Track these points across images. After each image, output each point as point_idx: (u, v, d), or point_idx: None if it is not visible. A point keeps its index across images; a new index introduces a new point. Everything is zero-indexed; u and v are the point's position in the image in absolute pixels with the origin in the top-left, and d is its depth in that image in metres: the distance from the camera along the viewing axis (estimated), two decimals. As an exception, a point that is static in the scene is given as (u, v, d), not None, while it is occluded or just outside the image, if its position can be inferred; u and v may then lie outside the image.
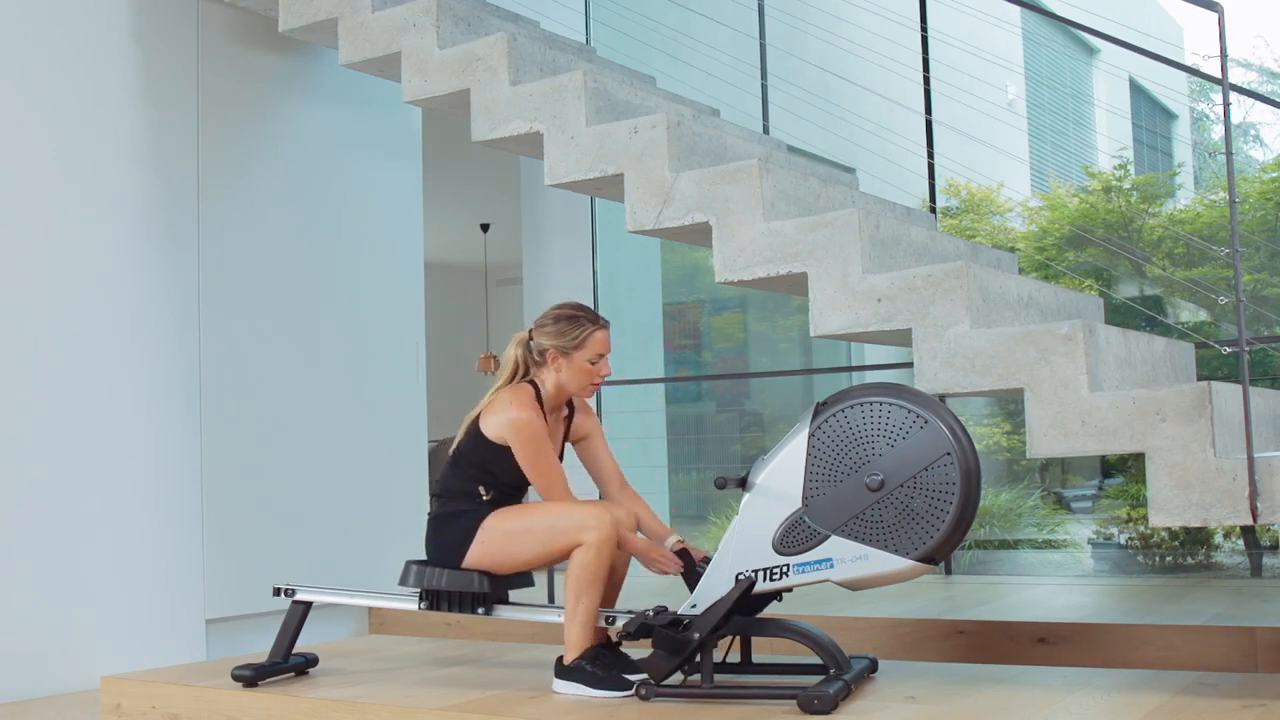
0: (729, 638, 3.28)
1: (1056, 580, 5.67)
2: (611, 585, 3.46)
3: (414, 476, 5.40)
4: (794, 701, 2.96)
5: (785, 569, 3.06)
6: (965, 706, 2.99)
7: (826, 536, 3.03)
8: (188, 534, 4.55)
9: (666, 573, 3.38)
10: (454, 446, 3.46)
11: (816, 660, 3.19)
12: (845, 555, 3.02)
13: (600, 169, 3.61)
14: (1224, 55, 3.10)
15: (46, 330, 4.22)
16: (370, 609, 5.04)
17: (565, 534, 3.23)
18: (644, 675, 3.15)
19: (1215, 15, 3.15)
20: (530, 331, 3.48)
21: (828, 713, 2.91)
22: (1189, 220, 7.59)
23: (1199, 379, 3.57)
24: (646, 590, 4.62)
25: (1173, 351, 3.55)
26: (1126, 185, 7.94)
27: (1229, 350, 3.24)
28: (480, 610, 3.45)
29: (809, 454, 3.07)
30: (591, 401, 3.82)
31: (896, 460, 2.99)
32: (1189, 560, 5.84)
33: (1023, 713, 2.92)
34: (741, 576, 3.09)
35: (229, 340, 4.71)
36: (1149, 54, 4.16)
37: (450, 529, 3.40)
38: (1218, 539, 5.86)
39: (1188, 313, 7.68)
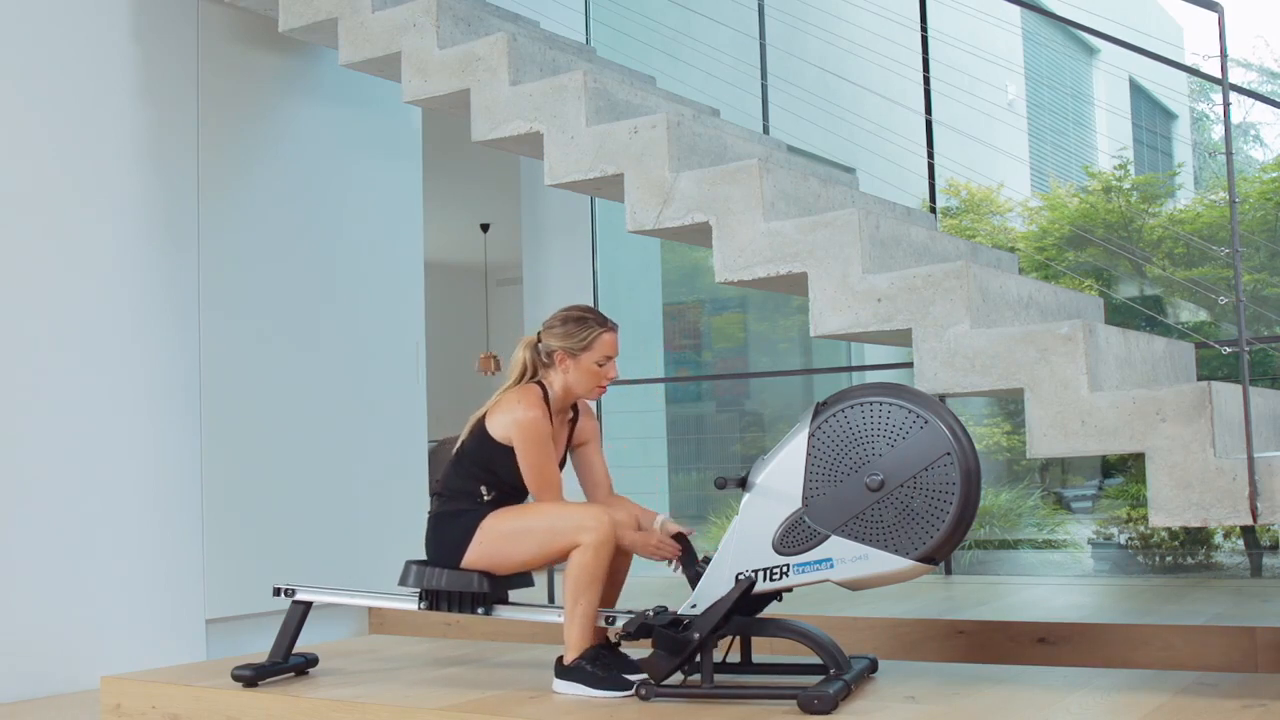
0: (729, 638, 3.28)
1: (1056, 580, 5.67)
2: (612, 585, 3.46)
3: (414, 476, 5.40)
4: (794, 701, 2.96)
5: (785, 569, 3.06)
6: (965, 706, 2.99)
7: (826, 536, 3.03)
8: (188, 534, 4.55)
9: (669, 558, 3.37)
10: (457, 445, 3.46)
11: (816, 660, 3.19)
12: (845, 555, 3.02)
13: (600, 169, 3.61)
14: (1224, 55, 3.10)
15: (46, 330, 4.22)
16: (370, 609, 5.04)
17: (563, 535, 3.23)
18: (644, 675, 3.15)
19: (1215, 15, 3.15)
20: (539, 334, 3.48)
21: (828, 713, 2.91)
22: (1189, 220, 7.59)
23: (1199, 379, 3.57)
24: (646, 590, 4.62)
25: (1173, 351, 3.55)
26: (1126, 185, 7.94)
27: (1229, 350, 3.24)
28: (480, 610, 3.46)
29: (809, 454, 3.07)
30: (592, 402, 3.82)
31: (896, 460, 2.99)
32: (1189, 560, 5.84)
33: (1023, 713, 2.92)
34: (741, 576, 3.09)
35: (229, 340, 4.71)
36: (1149, 54, 4.16)
37: (450, 529, 3.40)
38: (1218, 539, 5.86)
39: (1188, 313, 7.68)
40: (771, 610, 3.30)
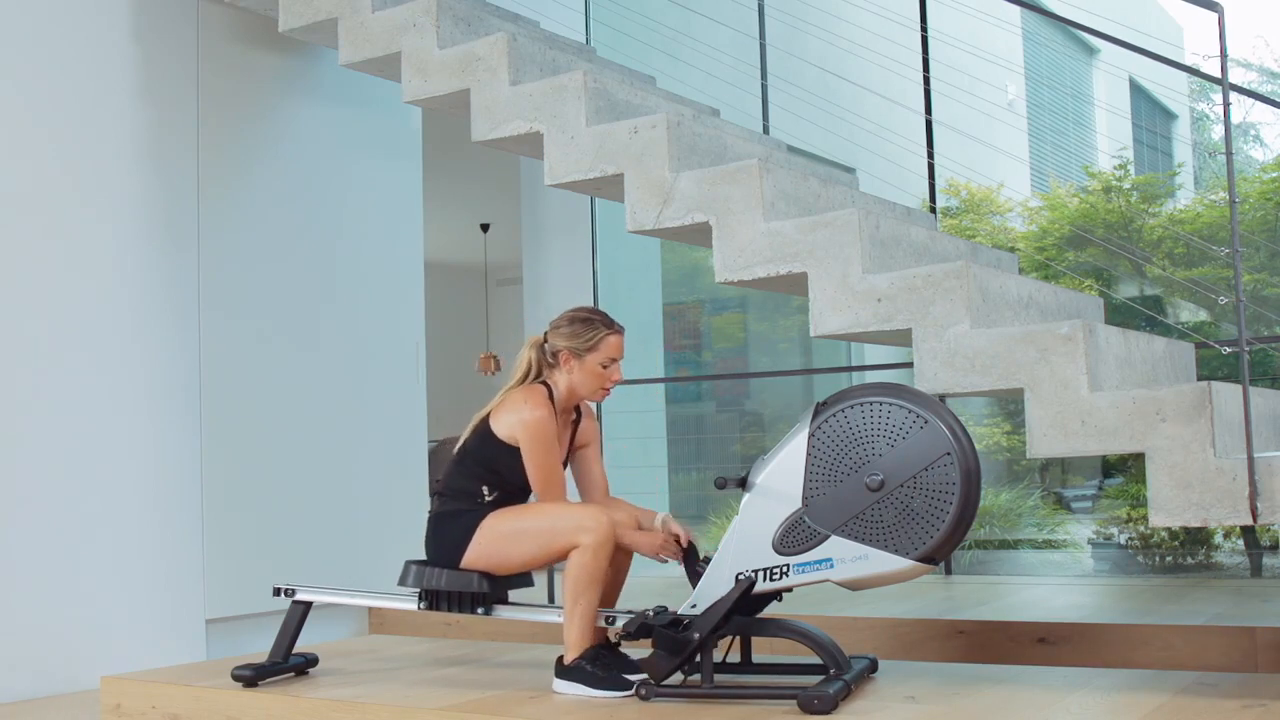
0: (729, 638, 3.28)
1: (1056, 580, 5.67)
2: (613, 585, 3.46)
3: (414, 476, 5.40)
4: (794, 701, 2.96)
5: (785, 569, 3.06)
6: (965, 706, 2.99)
7: (826, 536, 3.03)
8: (188, 534, 4.55)
9: (672, 558, 3.37)
10: (460, 444, 3.45)
11: (816, 660, 3.19)
12: (845, 555, 3.02)
13: (600, 169, 3.61)
14: (1224, 55, 3.10)
15: (46, 330, 4.22)
16: (370, 609, 5.04)
17: (562, 535, 3.23)
18: (644, 675, 3.15)
19: (1215, 15, 3.15)
20: (545, 334, 3.48)
21: (828, 713, 2.91)
22: (1189, 220, 7.59)
23: (1199, 379, 3.57)
24: (646, 590, 4.62)
25: (1173, 351, 3.55)
26: (1126, 185, 7.94)
27: (1229, 350, 3.24)
28: (480, 610, 3.45)
29: (809, 454, 3.07)
30: (593, 403, 3.82)
31: (896, 460, 2.99)
32: (1189, 560, 5.84)
33: (1023, 713, 2.92)
34: (741, 576, 3.09)
35: (229, 340, 4.71)
36: (1149, 54, 4.16)
37: (449, 529, 3.40)
38: (1218, 539, 5.86)
39: (1188, 313, 7.68)
40: (771, 610, 3.30)
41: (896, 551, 2.98)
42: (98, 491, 4.30)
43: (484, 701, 3.23)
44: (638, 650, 3.34)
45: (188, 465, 4.56)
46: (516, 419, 3.33)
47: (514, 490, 3.41)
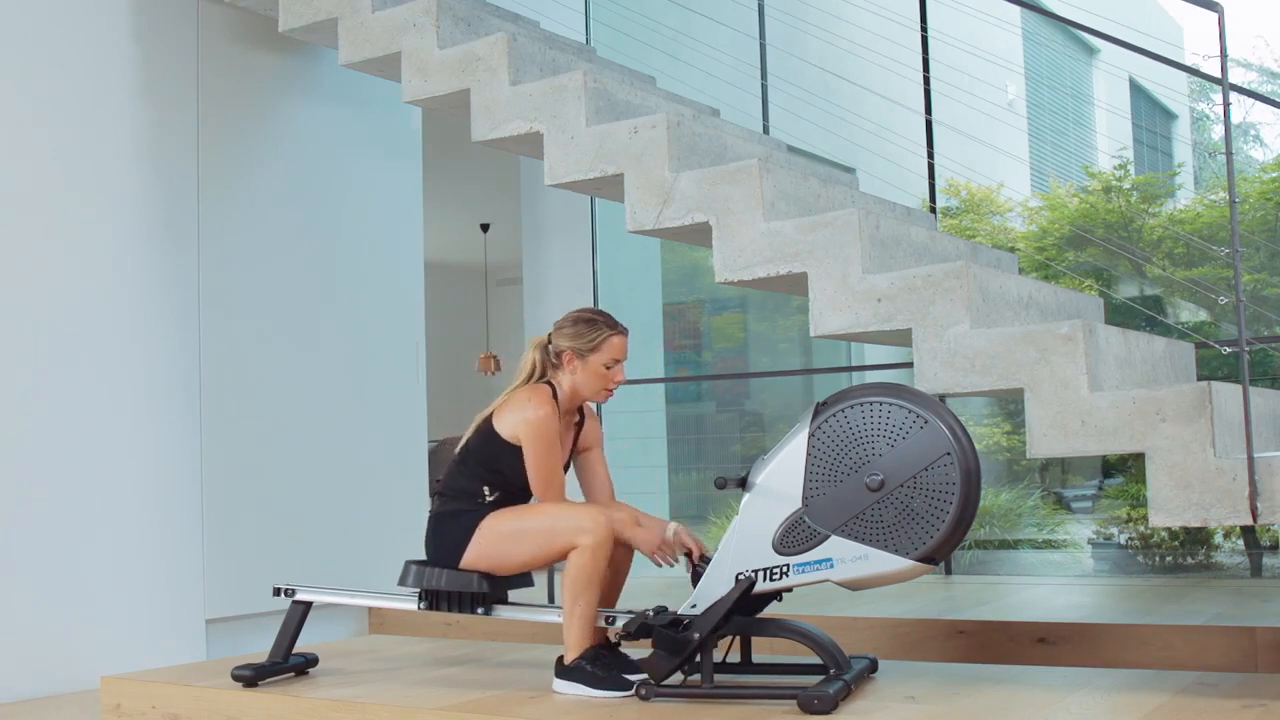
0: (729, 638, 3.28)
1: (1056, 580, 5.67)
2: (613, 586, 3.46)
3: (414, 476, 5.40)
4: (794, 701, 2.96)
5: (785, 569, 3.06)
6: (965, 706, 2.99)
7: (826, 536, 3.03)
8: (188, 534, 4.55)
9: (669, 563, 3.37)
10: (462, 444, 3.45)
11: (816, 660, 3.19)
12: (845, 555, 3.02)
13: (600, 169, 3.61)
14: (1224, 55, 3.10)
15: (46, 330, 4.22)
16: (370, 609, 5.04)
17: (561, 536, 3.23)
18: (644, 675, 3.15)
19: (1215, 15, 3.15)
20: (549, 335, 3.48)
21: (828, 713, 2.91)
22: (1189, 220, 7.59)
23: (1199, 379, 3.57)
24: (646, 590, 4.62)
25: (1173, 351, 3.55)
26: (1126, 185, 7.94)
27: (1229, 350, 3.24)
28: (479, 610, 3.46)
29: (809, 454, 3.07)
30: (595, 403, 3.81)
31: (896, 460, 2.99)
32: (1189, 560, 5.84)
33: (1023, 713, 2.92)
34: (741, 576, 3.09)
35: (229, 340, 4.71)
36: (1149, 54, 4.16)
37: (449, 529, 3.40)
38: (1218, 539, 5.86)
39: (1188, 313, 7.68)
40: (771, 610, 3.30)
41: (896, 551, 2.98)
42: (98, 491, 4.30)
43: (484, 701, 3.23)
44: (638, 650, 3.34)
45: (188, 465, 4.56)
46: (520, 417, 3.33)
47: (515, 490, 3.41)
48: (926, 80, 5.70)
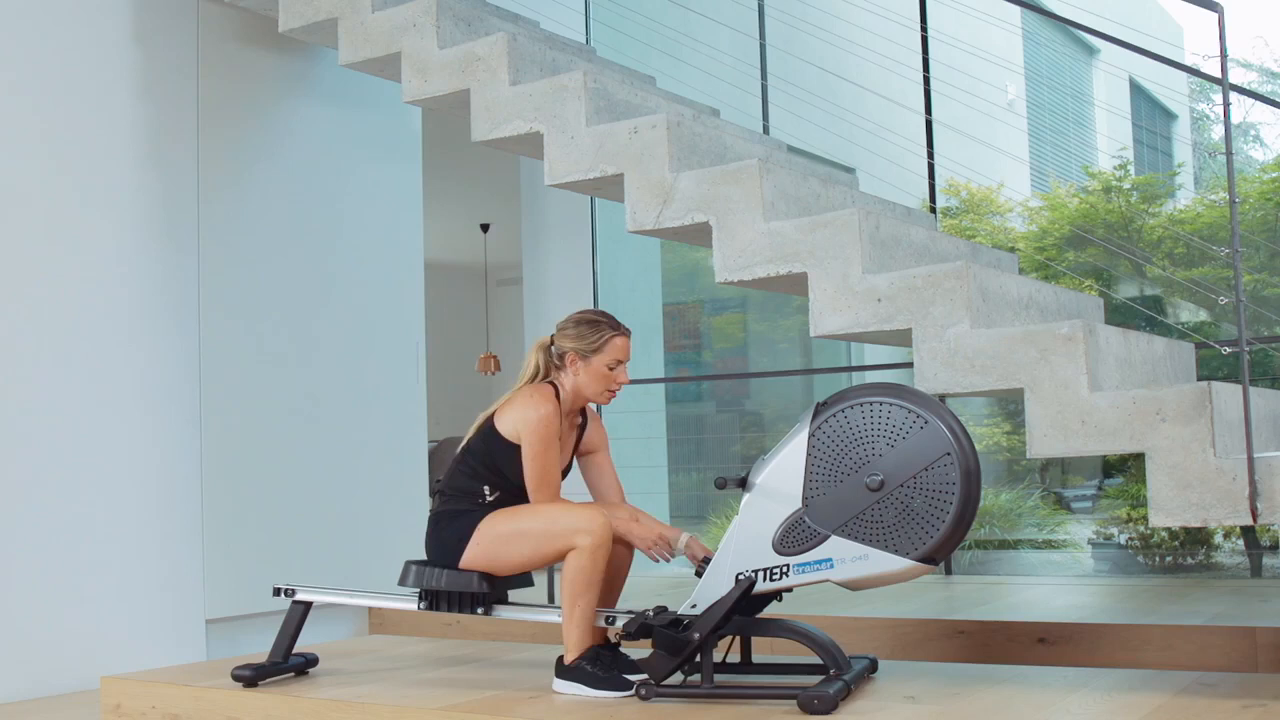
0: (729, 638, 3.28)
1: (1056, 580, 5.67)
2: (613, 586, 3.46)
3: (414, 476, 5.40)
4: (794, 701, 2.96)
5: (785, 569, 3.06)
6: (965, 706, 2.99)
7: (826, 536, 3.03)
8: (188, 534, 4.55)
9: (663, 559, 3.37)
10: (463, 443, 3.46)
11: (816, 660, 3.19)
12: (845, 555, 3.02)
13: (600, 169, 3.61)
14: (1224, 55, 3.10)
15: (46, 330, 4.22)
16: (370, 609, 5.04)
17: (559, 538, 3.23)
18: (644, 675, 3.15)
19: (1215, 15, 3.15)
20: (552, 336, 3.48)
21: (828, 713, 2.90)
22: (1189, 220, 7.59)
23: (1199, 379, 3.57)
24: (646, 590, 4.63)
25: (1173, 352, 3.55)
26: (1126, 185, 7.94)
27: (1229, 350, 3.24)
28: (479, 610, 3.45)
29: (809, 454, 3.07)
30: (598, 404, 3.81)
31: (896, 460, 2.99)
32: (1189, 560, 5.84)
33: (1023, 713, 2.92)
34: (741, 576, 3.09)
35: (229, 340, 4.71)
36: (1149, 54, 4.16)
37: (448, 529, 3.40)
38: (1218, 539, 5.86)
39: (1188, 313, 7.68)
40: (771, 610, 3.30)
41: (896, 551, 2.98)
42: (98, 492, 4.30)
43: (484, 701, 3.23)
44: (638, 650, 3.34)
45: (188, 465, 4.56)
46: (521, 416, 3.33)
47: (516, 491, 3.41)
48: (926, 80, 5.70)
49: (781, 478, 3.08)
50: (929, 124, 5.73)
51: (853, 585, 3.06)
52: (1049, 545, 6.62)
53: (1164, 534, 5.87)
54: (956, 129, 6.87)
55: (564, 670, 3.26)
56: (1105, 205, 7.78)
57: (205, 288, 4.66)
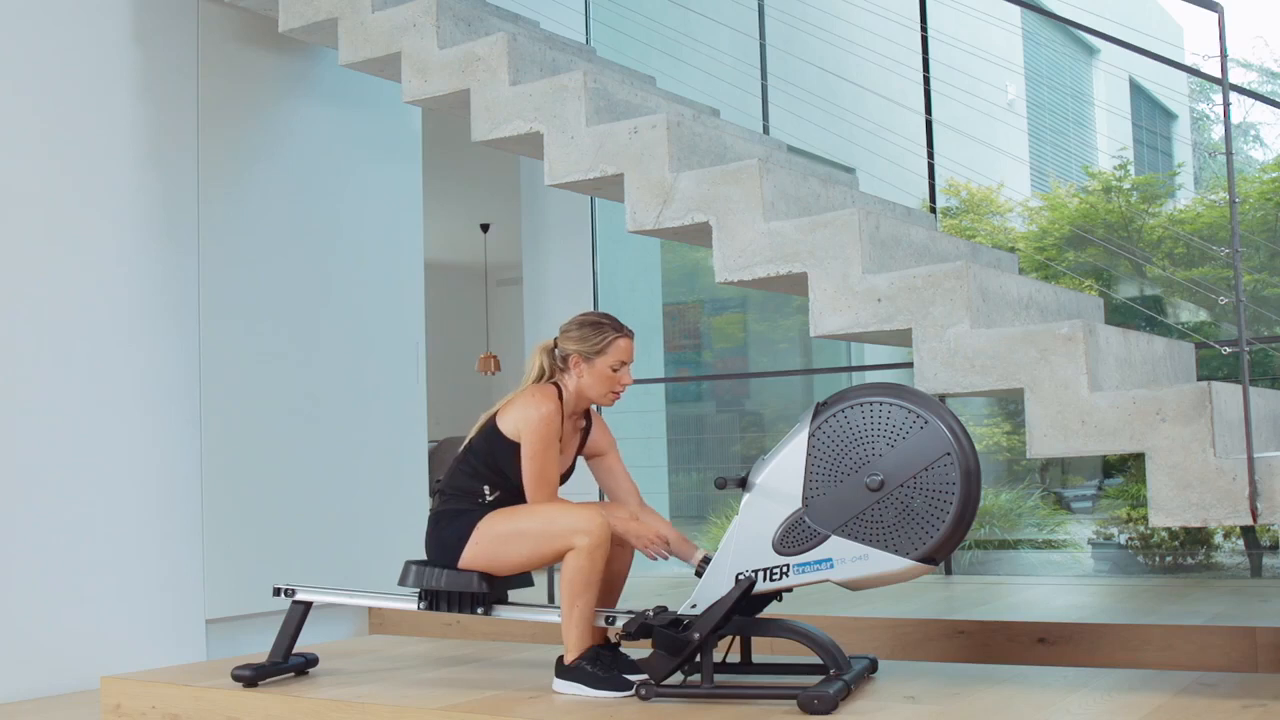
0: (729, 638, 3.28)
1: (1056, 580, 5.67)
2: (613, 586, 3.46)
3: (414, 476, 5.40)
4: (794, 701, 2.96)
5: (785, 569, 3.06)
6: (965, 706, 2.99)
7: (826, 536, 3.03)
8: (188, 534, 4.55)
9: (659, 556, 3.37)
10: (465, 443, 3.46)
11: (816, 660, 3.19)
12: (845, 555, 3.02)
13: (600, 169, 3.61)
14: (1224, 55, 3.10)
15: (46, 330, 4.22)
16: (370, 609, 5.04)
17: (558, 538, 3.23)
18: (644, 675, 3.15)
19: (1215, 15, 3.15)
20: (555, 339, 3.48)
21: (828, 713, 2.91)
22: (1189, 220, 7.59)
23: (1199, 379, 3.57)
24: (646, 590, 4.63)
25: (1173, 352, 3.55)
26: (1126, 185, 7.94)
27: (1229, 350, 3.24)
28: (479, 610, 3.45)
29: (809, 454, 3.07)
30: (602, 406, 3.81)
31: (896, 460, 2.99)
32: (1189, 560, 5.84)
33: (1023, 713, 2.92)
34: (741, 576, 3.09)
35: (229, 340, 4.71)
36: (1149, 54, 4.16)
37: (448, 528, 3.40)
38: (1218, 539, 5.86)
39: (1188, 313, 7.68)
40: (771, 610, 3.30)
41: (896, 551, 2.98)
42: (98, 492, 4.30)
43: (484, 701, 3.23)
44: (638, 650, 3.34)
45: (188, 465, 4.56)
46: (522, 415, 3.33)
47: (516, 491, 3.41)
48: (926, 80, 5.70)
49: (781, 478, 3.08)
50: (929, 124, 5.73)
51: (853, 585, 3.06)
52: (1049, 545, 6.62)
53: (1164, 534, 5.87)
54: (956, 129, 6.87)
55: (564, 670, 3.26)
56: (1105, 205, 7.78)
57: (205, 288, 4.66)
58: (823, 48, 6.97)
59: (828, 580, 3.05)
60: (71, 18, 4.37)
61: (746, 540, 3.10)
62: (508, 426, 3.37)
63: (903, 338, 3.21)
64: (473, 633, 4.69)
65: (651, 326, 7.33)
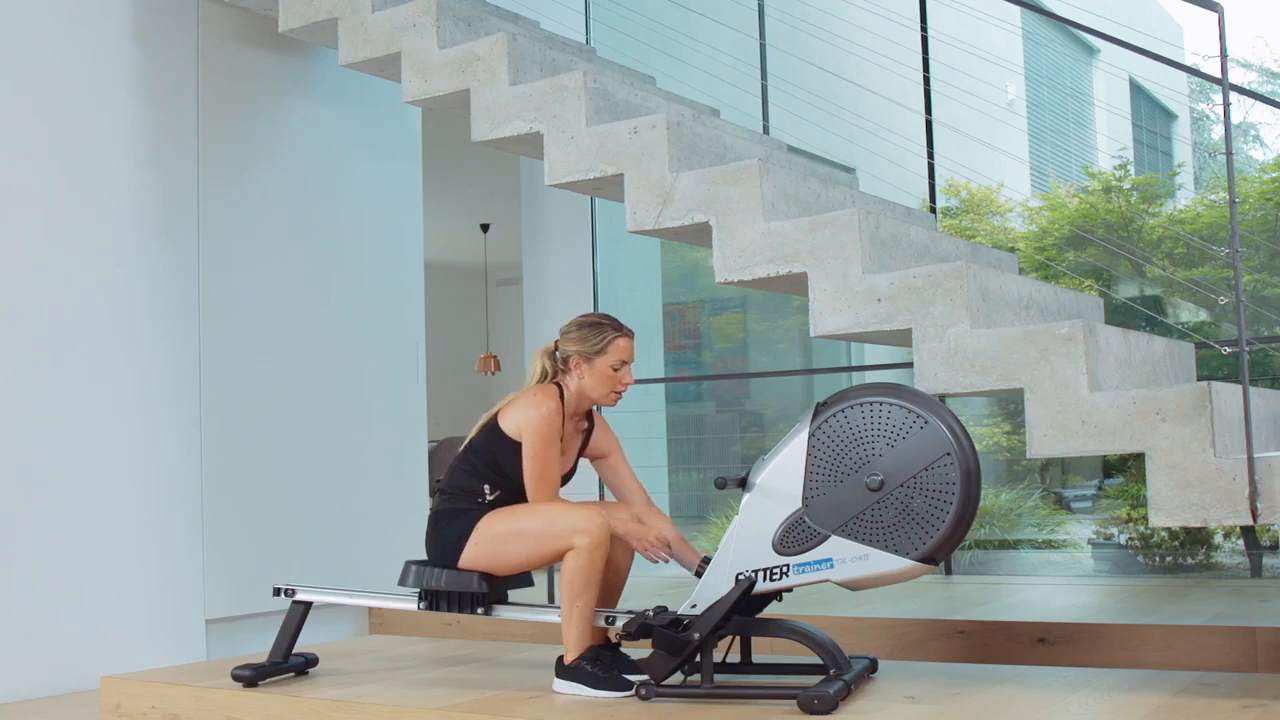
0: (729, 638, 3.28)
1: (1056, 580, 5.67)
2: (613, 586, 3.46)
3: (414, 477, 5.40)
4: (794, 701, 2.96)
5: (785, 569, 3.06)
6: (965, 706, 2.99)
7: (826, 536, 3.03)
8: (188, 534, 4.55)
9: (659, 558, 3.38)
10: (466, 442, 3.46)
11: (816, 660, 3.19)
12: (845, 555, 3.02)
13: (600, 169, 3.61)
14: (1224, 55, 3.10)
15: (47, 330, 4.22)
16: (370, 609, 5.04)
17: (557, 538, 3.23)
18: (644, 675, 3.15)
19: (1215, 15, 3.15)
20: (556, 341, 3.49)
21: (828, 713, 2.91)
22: (1189, 220, 7.59)
23: (1199, 379, 3.57)
24: (646, 590, 4.63)
25: (1173, 352, 3.55)
26: (1126, 185, 7.94)
27: (1229, 350, 3.24)
28: (479, 610, 3.45)
29: (809, 454, 3.07)
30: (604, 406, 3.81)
31: (896, 460, 2.99)
32: (1189, 560, 5.84)
33: (1023, 713, 2.92)
34: (741, 576, 3.09)
35: (229, 340, 4.71)
36: (1149, 54, 4.16)
37: (447, 528, 3.40)
38: (1218, 539, 5.86)
39: (1188, 313, 7.68)
40: (771, 610, 3.30)
41: (896, 551, 2.98)
42: (98, 492, 4.30)
43: (484, 701, 3.23)
44: (638, 650, 3.34)
45: (188, 465, 4.56)
46: (523, 414, 3.34)
47: (516, 490, 3.41)
48: (926, 80, 5.70)
49: (781, 478, 3.09)
50: (929, 124, 5.73)
51: (853, 585, 3.06)
52: (1049, 545, 6.62)
53: (1164, 534, 5.87)
54: (956, 129, 6.87)
55: (564, 670, 3.27)
56: (1105, 205, 7.78)
57: (205, 288, 4.66)
58: (823, 48, 6.97)
59: (828, 580, 3.05)
60: (71, 18, 4.37)
61: (746, 540, 3.10)
62: (509, 426, 3.37)
63: (903, 338, 3.21)
64: (473, 633, 4.69)
65: (651, 326, 7.33)
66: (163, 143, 4.58)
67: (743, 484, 3.15)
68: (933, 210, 5.91)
